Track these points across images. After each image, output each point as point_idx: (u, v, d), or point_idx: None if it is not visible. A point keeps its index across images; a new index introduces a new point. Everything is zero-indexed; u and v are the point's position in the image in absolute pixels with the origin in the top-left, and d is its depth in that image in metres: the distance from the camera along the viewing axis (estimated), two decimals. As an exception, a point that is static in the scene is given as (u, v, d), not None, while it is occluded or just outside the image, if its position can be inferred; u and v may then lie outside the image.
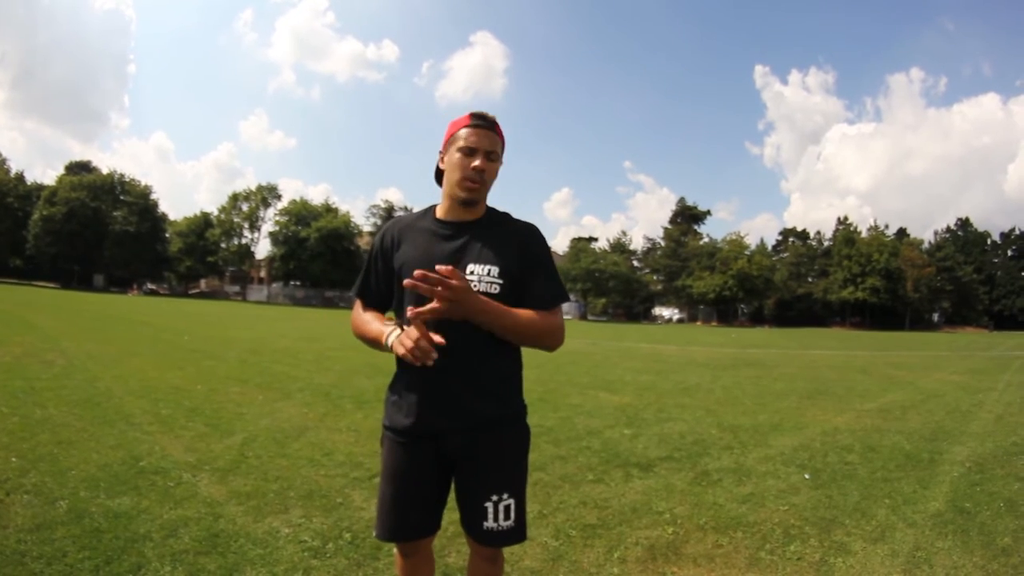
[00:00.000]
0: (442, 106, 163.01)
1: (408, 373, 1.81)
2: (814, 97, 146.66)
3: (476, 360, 1.75)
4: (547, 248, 1.88)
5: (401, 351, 1.63)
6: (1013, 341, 32.38)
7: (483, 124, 1.77)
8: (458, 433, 1.77)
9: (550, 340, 1.82)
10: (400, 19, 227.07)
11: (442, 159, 1.84)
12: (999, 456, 5.07)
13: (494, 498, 1.80)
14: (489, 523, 1.80)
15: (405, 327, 1.69)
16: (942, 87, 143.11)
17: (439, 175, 1.88)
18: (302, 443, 4.72)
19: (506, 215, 1.90)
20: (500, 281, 1.74)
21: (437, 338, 1.58)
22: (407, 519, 1.85)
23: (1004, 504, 3.80)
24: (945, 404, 8.02)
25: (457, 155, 1.76)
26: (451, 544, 2.94)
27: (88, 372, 7.58)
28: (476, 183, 1.76)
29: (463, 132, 1.77)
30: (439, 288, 1.54)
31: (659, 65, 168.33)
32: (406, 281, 1.55)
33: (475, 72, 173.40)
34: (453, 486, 1.88)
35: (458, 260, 1.75)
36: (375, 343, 1.81)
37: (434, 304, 1.57)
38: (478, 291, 1.70)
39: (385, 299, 1.92)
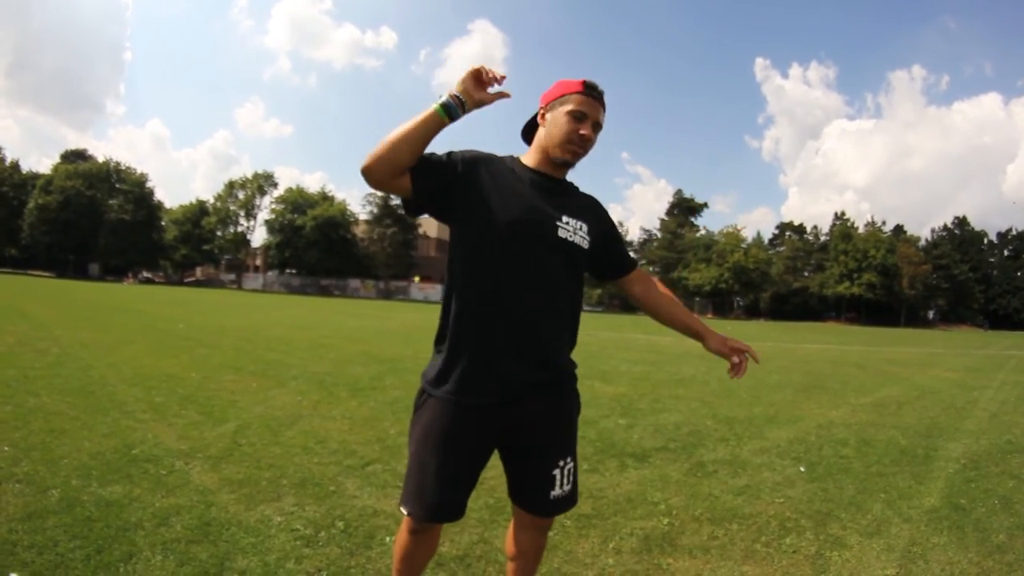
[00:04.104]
0: (439, 94, 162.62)
1: (479, 312, 1.65)
2: (815, 91, 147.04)
3: (555, 311, 1.73)
4: None
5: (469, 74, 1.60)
6: (1008, 340, 32.53)
7: (596, 95, 1.75)
8: (527, 394, 1.68)
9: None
10: (398, 5, 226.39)
11: (542, 116, 1.79)
12: (994, 454, 5.07)
13: (561, 463, 1.75)
14: (556, 491, 1.75)
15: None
16: (943, 85, 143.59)
17: (529, 130, 1.88)
18: (295, 431, 4.70)
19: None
20: (588, 238, 1.77)
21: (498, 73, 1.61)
22: (449, 497, 1.70)
23: (999, 501, 3.80)
24: (940, 400, 8.04)
25: (565, 117, 1.72)
26: (444, 533, 2.91)
27: (82, 360, 7.53)
28: (580, 149, 1.75)
29: (575, 96, 1.72)
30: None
31: (658, 55, 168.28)
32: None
33: (473, 60, 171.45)
34: (505, 459, 1.81)
35: (555, 206, 1.73)
36: (413, 129, 1.57)
37: None
38: (572, 242, 1.71)
39: (427, 188, 1.65)
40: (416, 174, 1.62)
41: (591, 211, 1.83)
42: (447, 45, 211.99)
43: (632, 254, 2.01)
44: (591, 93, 1.73)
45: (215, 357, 8.70)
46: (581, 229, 1.73)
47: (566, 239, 1.70)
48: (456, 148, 1.74)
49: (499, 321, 1.64)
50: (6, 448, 3.79)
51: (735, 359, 1.86)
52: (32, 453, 3.73)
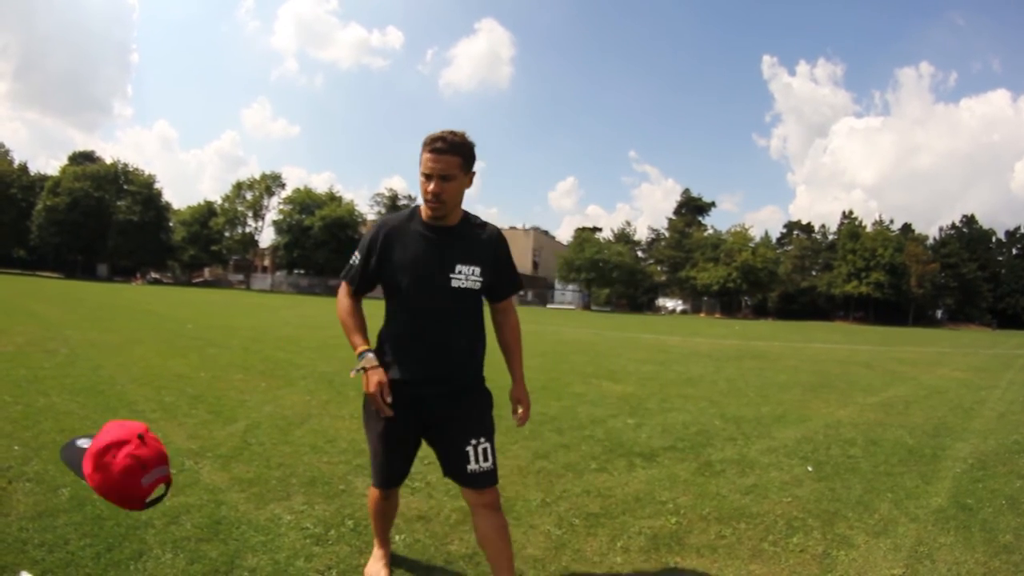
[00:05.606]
0: (446, 94, 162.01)
1: (401, 339, 2.13)
2: (822, 89, 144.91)
3: (454, 338, 2.12)
4: (509, 248, 2.26)
5: (368, 391, 2.02)
6: (1016, 340, 32.29)
7: (437, 149, 1.96)
8: (439, 396, 2.11)
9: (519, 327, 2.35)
10: (405, 4, 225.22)
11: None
12: (1001, 454, 5.05)
13: (473, 442, 2.10)
14: (472, 465, 2.09)
15: (370, 363, 2.05)
16: (951, 82, 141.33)
17: None
18: (305, 430, 4.73)
19: (477, 219, 2.19)
20: (481, 279, 2.10)
21: (387, 411, 2.00)
22: (397, 470, 2.29)
23: (1006, 501, 3.79)
24: (948, 400, 8.00)
25: (421, 177, 2.00)
26: (453, 532, 2.94)
27: (91, 360, 7.59)
28: (435, 205, 2.00)
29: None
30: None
31: (666, 54, 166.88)
32: None
33: (480, 60, 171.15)
34: (431, 442, 2.22)
35: (448, 260, 2.06)
36: (350, 342, 2.12)
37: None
38: (464, 288, 2.07)
39: (369, 288, 2.21)
40: (355, 289, 2.21)
41: (485, 249, 2.13)
42: (454, 45, 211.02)
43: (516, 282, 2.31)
44: (433, 147, 1.96)
45: (224, 357, 8.75)
46: (473, 274, 2.08)
47: (459, 287, 2.07)
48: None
49: (414, 343, 2.10)
50: (16, 447, 3.83)
51: (519, 410, 2.29)
52: (42, 452, 3.76)
